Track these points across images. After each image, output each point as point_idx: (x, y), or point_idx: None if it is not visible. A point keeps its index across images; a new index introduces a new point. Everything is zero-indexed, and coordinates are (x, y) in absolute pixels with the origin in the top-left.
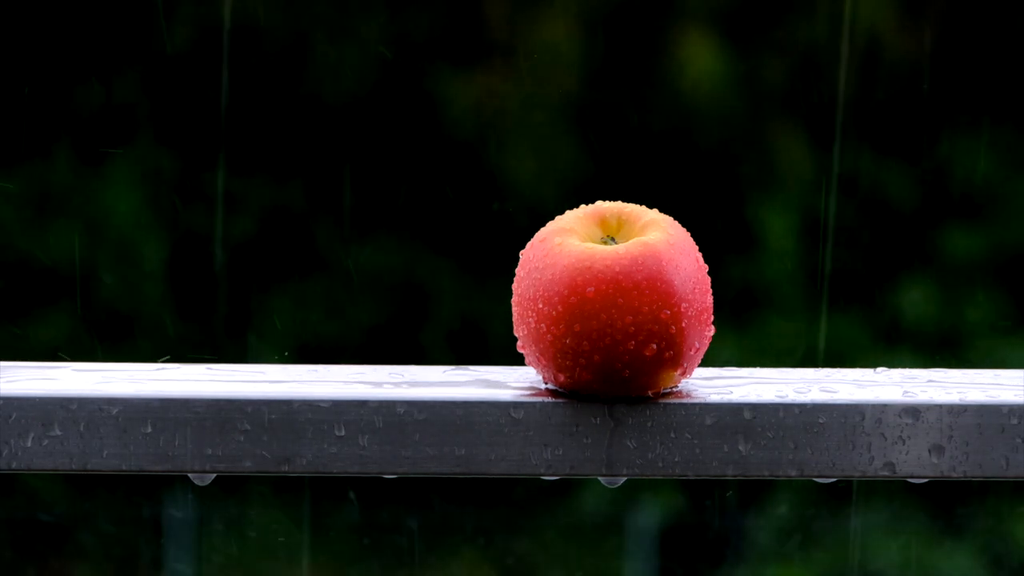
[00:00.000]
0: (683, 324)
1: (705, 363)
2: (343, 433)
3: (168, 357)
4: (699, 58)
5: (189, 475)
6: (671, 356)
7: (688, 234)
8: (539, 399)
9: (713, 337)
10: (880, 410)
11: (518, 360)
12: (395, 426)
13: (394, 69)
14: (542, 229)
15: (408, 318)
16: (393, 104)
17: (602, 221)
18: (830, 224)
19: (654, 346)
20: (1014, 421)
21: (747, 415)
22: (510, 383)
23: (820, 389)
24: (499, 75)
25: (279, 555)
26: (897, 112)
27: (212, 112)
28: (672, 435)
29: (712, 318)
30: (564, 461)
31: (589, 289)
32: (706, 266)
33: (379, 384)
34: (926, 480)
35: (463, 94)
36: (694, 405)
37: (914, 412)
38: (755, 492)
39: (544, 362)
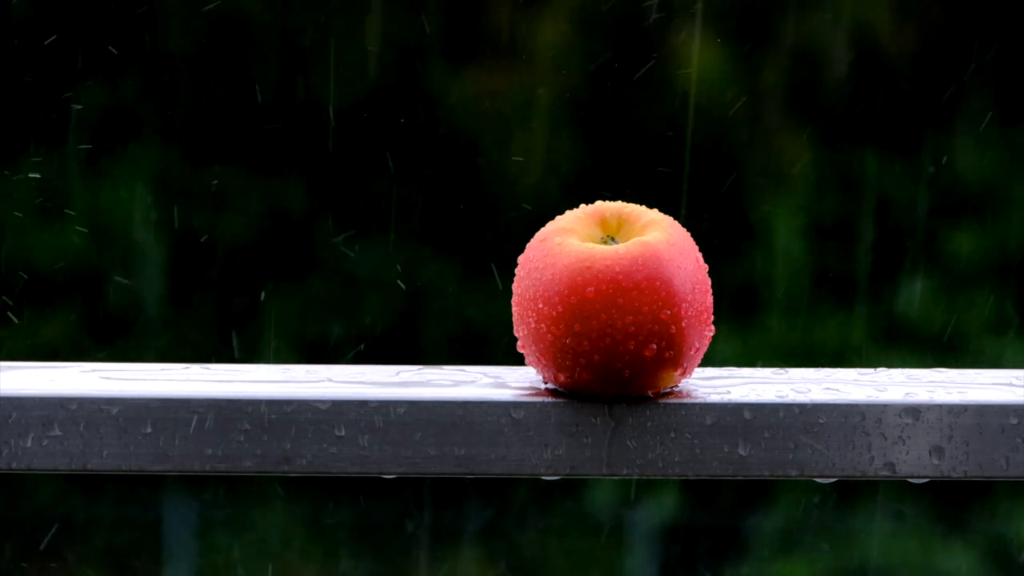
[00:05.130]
0: (683, 324)
1: (705, 363)
2: (343, 433)
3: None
4: (699, 57)
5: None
6: (671, 356)
7: (688, 234)
8: (539, 399)
9: (713, 337)
10: (880, 410)
11: (518, 360)
12: (395, 426)
13: (393, 68)
14: (542, 229)
15: (408, 318)
16: (392, 103)
17: (602, 221)
18: (830, 224)
19: (654, 346)
20: (1014, 421)
21: (747, 415)
22: (510, 383)
23: (820, 389)
24: (499, 74)
25: (279, 555)
26: (898, 111)
27: (213, 112)
28: (672, 435)
29: (712, 318)
30: (564, 461)
31: (589, 289)
32: (706, 266)
33: (379, 384)
34: (926, 480)
35: (462, 93)
36: (694, 405)
37: (914, 412)
38: (755, 492)
39: (544, 362)
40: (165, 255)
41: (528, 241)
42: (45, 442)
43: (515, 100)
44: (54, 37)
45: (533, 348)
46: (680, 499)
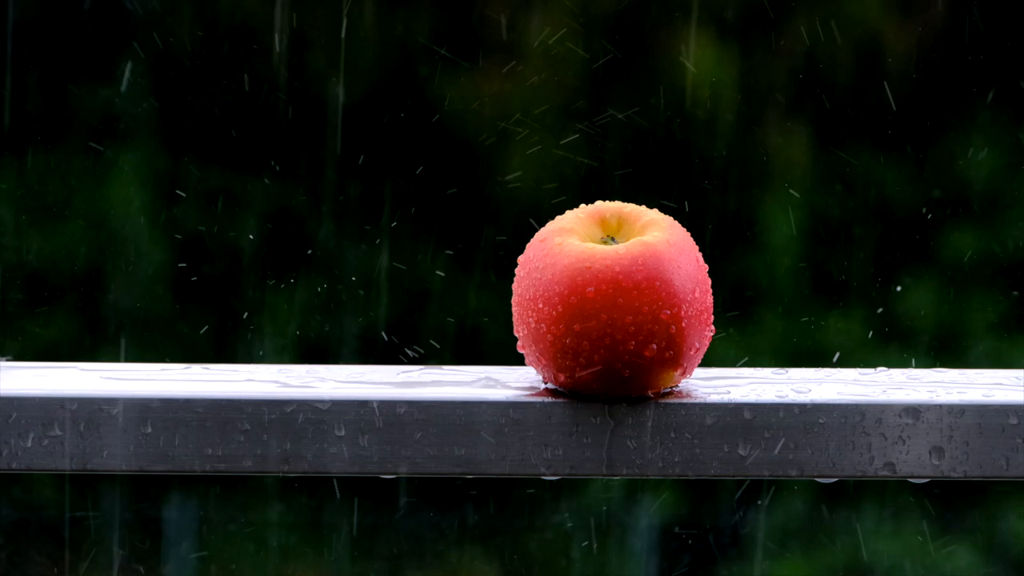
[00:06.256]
0: (683, 324)
1: (705, 363)
2: (343, 433)
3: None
4: (699, 57)
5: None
6: (671, 356)
7: (688, 234)
8: (539, 399)
9: (713, 337)
10: (880, 410)
11: (518, 360)
12: (395, 426)
13: (393, 68)
14: (542, 229)
15: (408, 318)
16: (392, 103)
17: (602, 221)
18: (830, 224)
19: (654, 346)
20: (1014, 421)
21: (747, 415)
22: (510, 383)
23: (820, 389)
24: (499, 75)
25: (279, 555)
26: (898, 111)
27: (213, 112)
28: (672, 435)
29: (712, 318)
30: (564, 461)
31: (589, 289)
32: (706, 266)
33: (379, 384)
34: (926, 480)
35: (462, 93)
36: (694, 405)
37: (914, 412)
38: (755, 492)
39: (544, 362)
40: (165, 255)
41: (528, 241)
42: (45, 442)
43: (515, 100)
44: (54, 35)
45: (533, 348)
46: (680, 499)
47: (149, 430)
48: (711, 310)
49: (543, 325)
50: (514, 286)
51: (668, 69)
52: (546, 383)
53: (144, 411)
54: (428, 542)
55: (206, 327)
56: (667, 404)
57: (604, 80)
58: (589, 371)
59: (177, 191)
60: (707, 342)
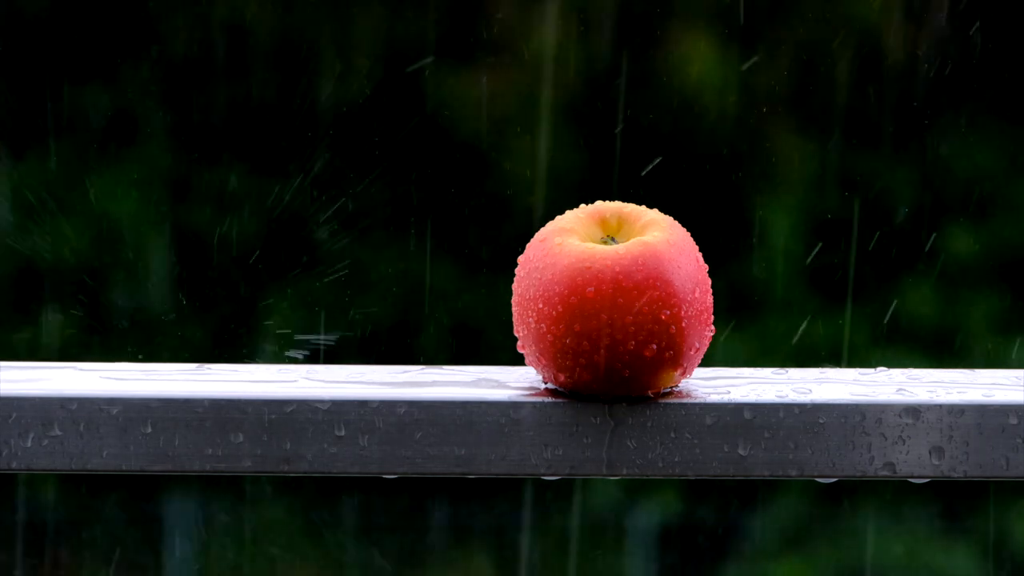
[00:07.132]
0: (683, 324)
1: (705, 363)
2: (343, 433)
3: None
4: (699, 57)
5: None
6: (671, 356)
7: (688, 234)
8: (539, 399)
9: (713, 337)
10: (880, 410)
11: (518, 360)
12: (395, 426)
13: (394, 69)
14: (542, 229)
15: (408, 318)
16: (392, 104)
17: (602, 221)
18: (830, 224)
19: (654, 346)
20: (1014, 421)
21: (747, 415)
22: (510, 383)
23: (820, 389)
24: (498, 75)
25: (279, 555)
26: (898, 111)
27: (213, 112)
28: (672, 435)
29: (712, 318)
30: (564, 461)
31: (589, 289)
32: (706, 266)
33: (379, 384)
34: (926, 480)
35: (462, 94)
36: (694, 405)
37: (914, 412)
38: (755, 492)
39: (544, 362)
40: (165, 255)
41: (528, 241)
42: (45, 442)
43: (515, 100)
44: (56, 37)
45: (533, 348)
46: (680, 499)
47: (149, 430)
48: (711, 310)
49: (543, 325)
50: (514, 286)
51: (669, 69)
52: (546, 383)
53: (144, 411)
54: (427, 542)
55: (206, 327)
56: (667, 404)
57: (604, 80)
58: (589, 371)
59: (178, 191)
60: (707, 342)
